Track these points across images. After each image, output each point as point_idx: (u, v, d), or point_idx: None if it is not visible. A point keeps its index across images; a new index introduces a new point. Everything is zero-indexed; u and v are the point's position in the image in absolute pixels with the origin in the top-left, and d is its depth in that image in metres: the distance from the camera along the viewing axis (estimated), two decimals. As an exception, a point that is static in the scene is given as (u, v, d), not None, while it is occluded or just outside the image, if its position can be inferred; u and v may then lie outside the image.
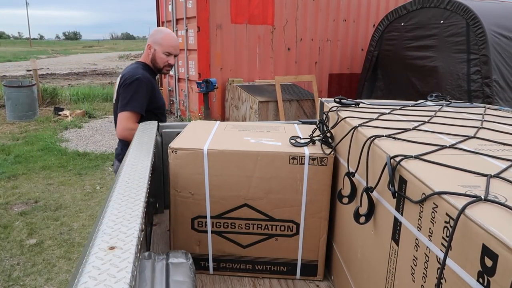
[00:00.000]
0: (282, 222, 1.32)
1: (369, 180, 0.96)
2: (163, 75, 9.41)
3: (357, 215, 0.97)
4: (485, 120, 1.20)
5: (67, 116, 8.53)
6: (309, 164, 1.26)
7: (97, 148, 6.51)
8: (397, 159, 0.81)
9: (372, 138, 0.96)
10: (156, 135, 1.62)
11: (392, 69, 6.81)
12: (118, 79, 2.38)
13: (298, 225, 1.32)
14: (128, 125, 2.22)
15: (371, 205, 0.94)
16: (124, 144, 2.31)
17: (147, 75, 2.36)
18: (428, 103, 1.56)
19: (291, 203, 1.30)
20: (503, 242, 0.50)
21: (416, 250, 0.74)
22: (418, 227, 0.73)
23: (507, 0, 7.23)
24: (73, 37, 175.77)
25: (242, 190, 1.29)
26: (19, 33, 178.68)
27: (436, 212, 0.66)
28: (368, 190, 0.92)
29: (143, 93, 2.27)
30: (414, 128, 1.07)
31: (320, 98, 1.62)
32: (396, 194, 0.80)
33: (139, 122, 2.15)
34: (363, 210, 0.96)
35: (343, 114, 1.25)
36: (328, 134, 1.30)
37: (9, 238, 3.48)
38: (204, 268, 1.39)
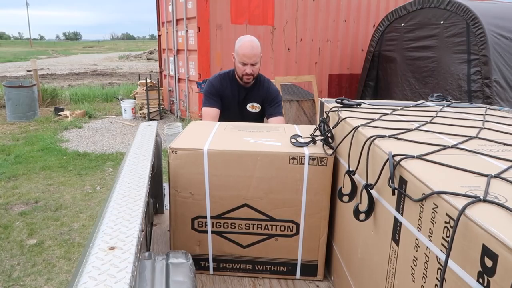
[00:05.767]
0: (282, 222, 1.32)
1: (369, 180, 0.96)
2: (163, 76, 9.41)
3: (357, 212, 0.97)
4: (486, 121, 1.20)
5: (67, 117, 8.52)
6: (309, 164, 1.26)
7: (97, 148, 6.51)
8: (397, 158, 0.81)
9: (372, 138, 0.96)
10: (156, 135, 1.62)
11: (392, 70, 6.81)
12: None
13: (298, 225, 1.32)
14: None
15: (371, 202, 0.94)
16: None
17: (215, 80, 2.47)
18: (429, 103, 1.56)
19: (291, 203, 1.30)
20: (503, 242, 0.50)
21: (416, 250, 0.74)
22: (418, 227, 0.73)
23: (507, 0, 7.23)
24: (73, 37, 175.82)
25: (242, 190, 1.29)
26: (19, 33, 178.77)
27: (436, 212, 0.66)
28: (368, 187, 0.92)
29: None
30: (416, 129, 1.07)
31: (320, 99, 1.62)
32: (396, 192, 0.80)
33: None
34: (363, 207, 0.96)
35: (343, 114, 1.25)
36: (329, 134, 1.30)
37: (9, 238, 3.48)
38: (204, 268, 1.39)
